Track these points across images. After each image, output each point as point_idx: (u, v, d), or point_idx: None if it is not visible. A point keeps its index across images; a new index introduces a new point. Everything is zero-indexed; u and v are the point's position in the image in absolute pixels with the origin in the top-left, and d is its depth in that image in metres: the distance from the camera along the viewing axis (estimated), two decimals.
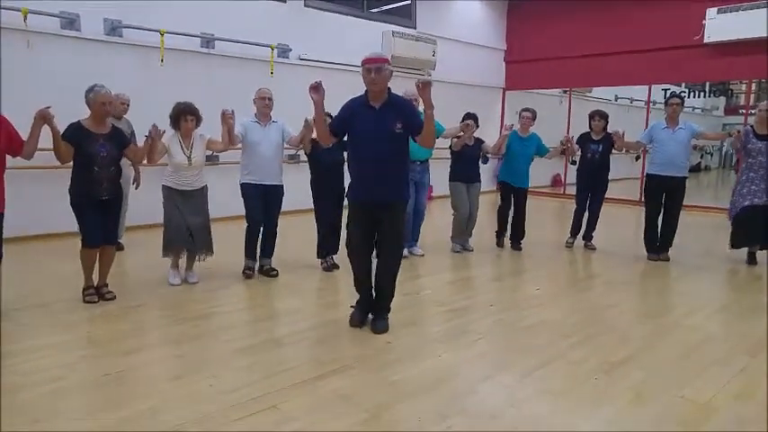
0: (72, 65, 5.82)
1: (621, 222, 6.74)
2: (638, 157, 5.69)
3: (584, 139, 5.89)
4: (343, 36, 8.22)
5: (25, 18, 5.45)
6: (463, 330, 3.44)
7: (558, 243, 6.24)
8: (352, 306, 3.55)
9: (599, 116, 5.81)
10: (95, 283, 3.88)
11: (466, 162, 5.59)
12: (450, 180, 5.72)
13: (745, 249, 5.37)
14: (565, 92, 11.48)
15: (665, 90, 9.87)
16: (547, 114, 10.61)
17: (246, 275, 4.58)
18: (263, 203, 4.50)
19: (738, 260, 5.46)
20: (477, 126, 5.62)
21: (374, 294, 3.44)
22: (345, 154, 4.37)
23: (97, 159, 3.64)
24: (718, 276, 5.10)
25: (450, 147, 5.62)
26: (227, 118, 4.21)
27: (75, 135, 3.61)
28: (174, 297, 4.06)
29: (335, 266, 4.86)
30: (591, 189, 5.91)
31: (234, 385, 2.62)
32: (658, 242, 5.48)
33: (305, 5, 7.91)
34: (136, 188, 5.35)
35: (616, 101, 12.70)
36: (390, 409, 2.44)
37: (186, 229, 4.17)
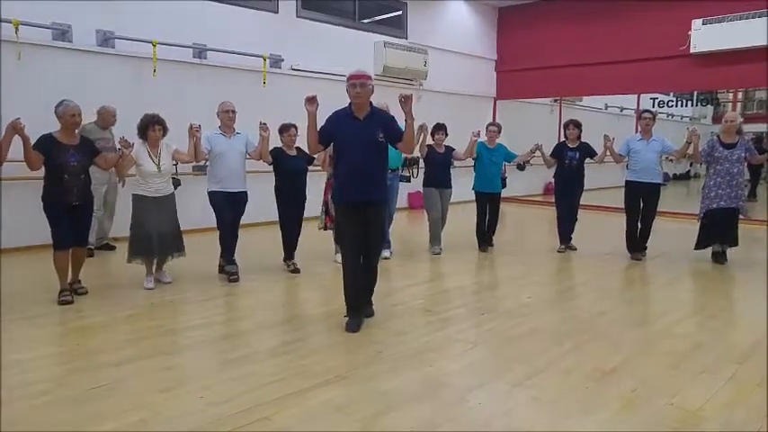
0: (64, 76, 5.81)
1: (611, 229, 6.80)
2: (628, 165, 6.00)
3: (560, 148, 6.21)
4: (335, 46, 8.27)
5: (17, 29, 5.44)
6: (454, 339, 3.44)
7: (548, 250, 6.28)
8: (345, 316, 3.62)
9: (573, 125, 6.16)
10: (70, 279, 4.10)
11: (437, 169, 5.97)
12: (423, 185, 6.13)
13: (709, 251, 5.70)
14: (555, 101, 11.60)
15: (654, 99, 10.01)
16: (537, 123, 10.77)
17: (231, 280, 4.68)
18: (230, 210, 4.72)
19: (726, 267, 5.52)
20: (446, 135, 6.02)
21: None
22: (319, 163, 5.09)
23: (68, 168, 3.91)
24: (706, 284, 5.15)
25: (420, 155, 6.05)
26: (193, 131, 4.46)
27: (45, 145, 3.86)
28: (164, 307, 4.04)
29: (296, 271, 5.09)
30: (570, 194, 6.20)
31: (225, 397, 2.61)
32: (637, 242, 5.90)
33: (297, 16, 7.97)
34: (122, 186, 5.53)
35: (606, 110, 12.83)
36: (382, 419, 2.43)
37: (156, 237, 4.34)
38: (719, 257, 5.66)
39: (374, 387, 2.74)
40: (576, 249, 6.24)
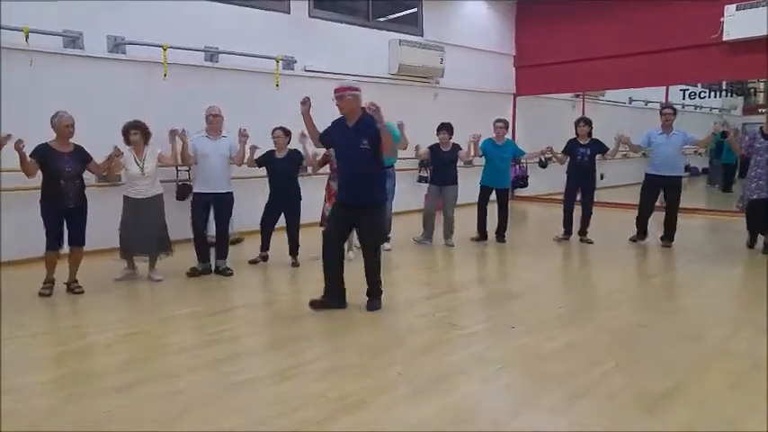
0: (76, 83, 5.70)
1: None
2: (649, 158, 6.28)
3: (572, 145, 6.36)
4: (349, 46, 8.04)
5: (27, 37, 5.32)
6: (483, 358, 3.15)
7: (573, 253, 5.95)
8: (322, 296, 3.92)
9: (584, 122, 6.35)
10: (67, 279, 4.40)
11: (441, 166, 6.15)
12: (428, 183, 6.42)
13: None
14: (577, 96, 11.19)
15: (684, 91, 9.54)
16: (559, 120, 10.36)
17: (192, 274, 4.89)
18: (210, 211, 4.94)
19: None
20: (451, 134, 6.13)
21: (366, 282, 3.99)
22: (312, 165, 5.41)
23: (64, 174, 4.24)
24: (755, 291, 4.71)
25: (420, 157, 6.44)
26: (177, 135, 4.72)
27: (41, 153, 4.20)
28: (172, 323, 3.85)
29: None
30: (580, 188, 6.38)
31: (235, 426, 2.38)
32: (646, 230, 6.21)
33: (309, 16, 7.75)
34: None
35: (630, 104, 12.35)
36: None
37: (137, 236, 4.62)
38: (765, 249, 5.63)
39: (396, 417, 2.48)
40: (592, 242, 6.29)
